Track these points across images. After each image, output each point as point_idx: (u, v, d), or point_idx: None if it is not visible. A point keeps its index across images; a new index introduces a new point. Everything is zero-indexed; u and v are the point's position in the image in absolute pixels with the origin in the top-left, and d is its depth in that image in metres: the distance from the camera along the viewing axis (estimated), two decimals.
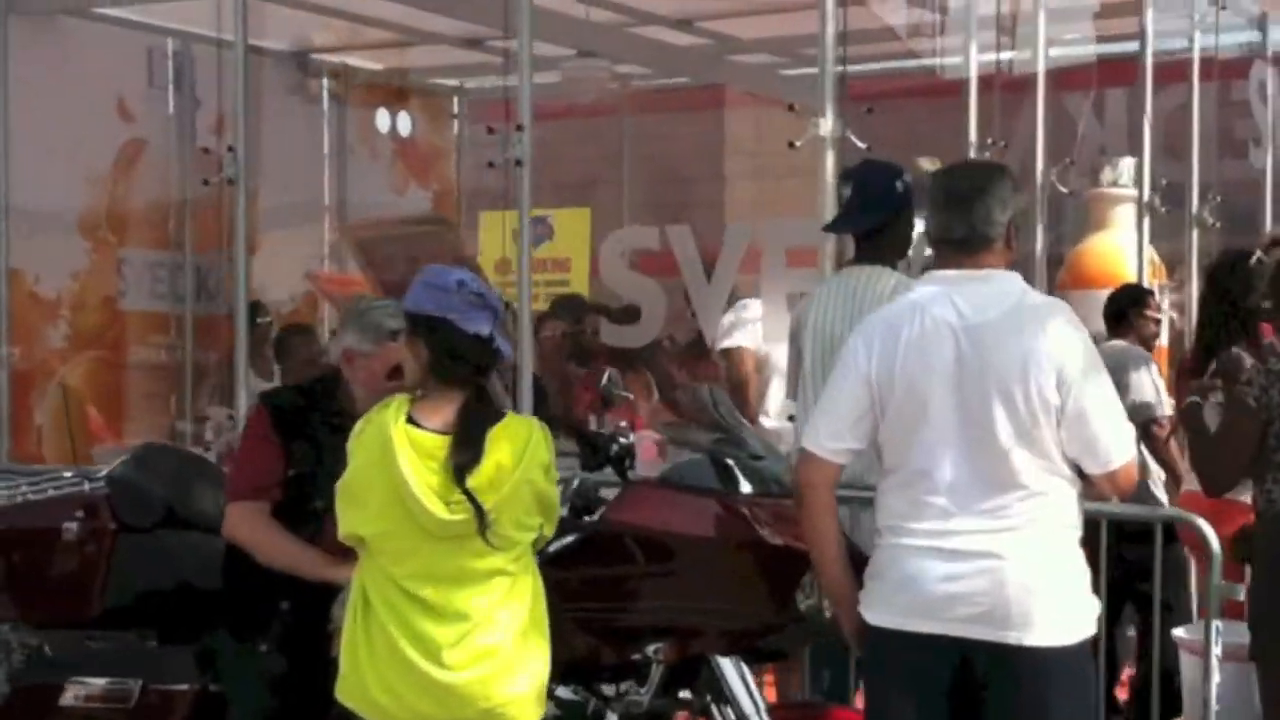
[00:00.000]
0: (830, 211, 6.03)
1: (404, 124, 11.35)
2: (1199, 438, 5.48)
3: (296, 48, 10.42)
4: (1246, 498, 5.14)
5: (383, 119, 11.21)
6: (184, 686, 4.94)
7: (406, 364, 4.20)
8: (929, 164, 6.83)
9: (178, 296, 9.67)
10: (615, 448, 4.86)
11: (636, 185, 11.75)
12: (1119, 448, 4.02)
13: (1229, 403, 5.20)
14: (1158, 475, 7.08)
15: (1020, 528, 3.96)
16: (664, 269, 7.34)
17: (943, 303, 4.03)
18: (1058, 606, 3.98)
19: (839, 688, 5.53)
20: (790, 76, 10.95)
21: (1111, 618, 5.85)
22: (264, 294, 9.31)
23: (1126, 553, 5.72)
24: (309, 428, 4.75)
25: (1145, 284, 8.37)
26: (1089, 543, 4.20)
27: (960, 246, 4.09)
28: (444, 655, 4.03)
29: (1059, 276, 9.05)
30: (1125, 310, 7.52)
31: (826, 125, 6.18)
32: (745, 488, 4.69)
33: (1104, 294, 7.78)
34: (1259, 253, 6.66)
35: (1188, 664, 5.84)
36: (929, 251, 6.11)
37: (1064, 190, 8.59)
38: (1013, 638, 3.93)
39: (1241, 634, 5.06)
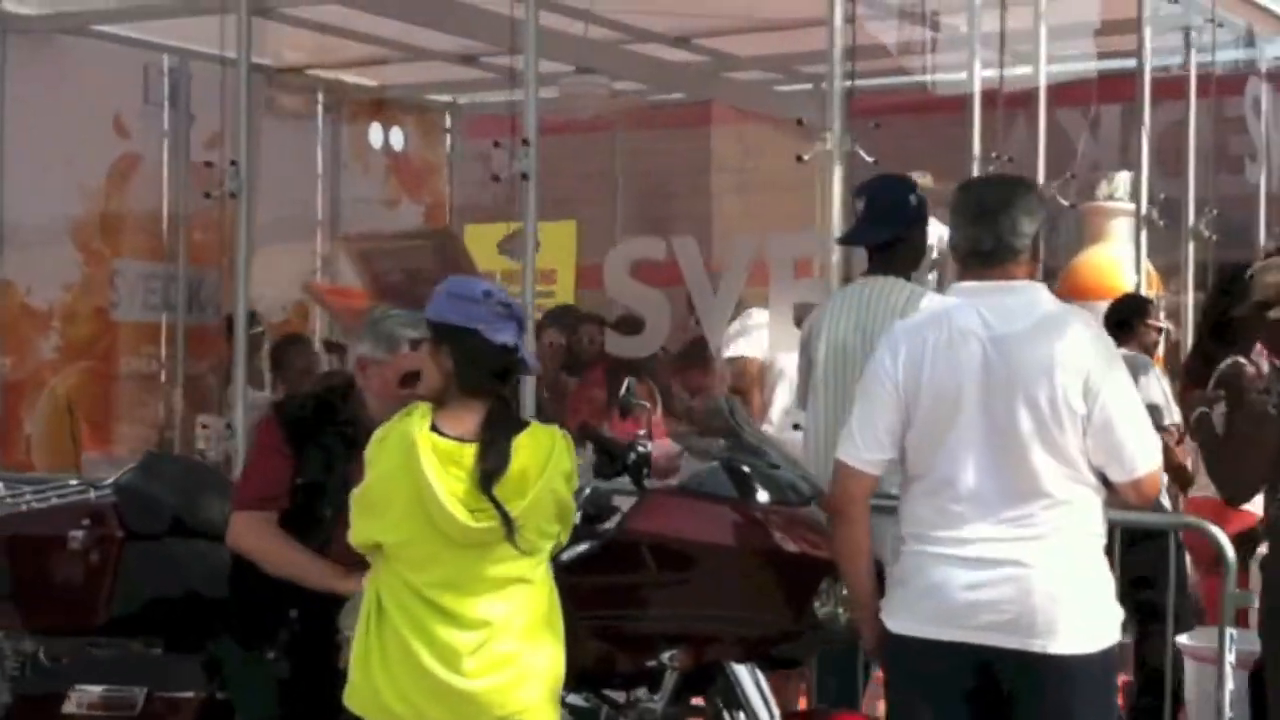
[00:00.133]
0: (838, 224, 6.06)
1: (396, 138, 11.40)
2: (1220, 448, 5.46)
3: (291, 64, 10.44)
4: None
5: (375, 134, 11.26)
6: (190, 694, 4.92)
7: (424, 373, 4.17)
8: (923, 178, 6.84)
9: (170, 307, 9.67)
10: (632, 456, 4.86)
11: (629, 199, 11.74)
12: (1144, 455, 4.04)
13: (1245, 413, 5.18)
14: (1163, 481, 7.08)
15: (1045, 536, 3.97)
16: (665, 279, 7.32)
17: (969, 313, 4.05)
18: (1083, 614, 3.99)
19: (846, 695, 5.52)
20: (785, 93, 11.02)
21: None
22: (256, 305, 9.29)
23: (1123, 559, 5.71)
24: (321, 436, 4.72)
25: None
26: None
27: (988, 258, 4.11)
28: (463, 662, 4.01)
29: (1054, 288, 9.04)
30: (1129, 318, 7.55)
31: (834, 140, 6.21)
32: (762, 496, 4.68)
33: (1100, 305, 7.79)
34: (1259, 265, 6.66)
35: (1193, 671, 5.83)
36: (935, 257, 6.11)
37: (1066, 204, 8.62)
38: (1038, 645, 3.93)
39: (1251, 641, 5.05)
